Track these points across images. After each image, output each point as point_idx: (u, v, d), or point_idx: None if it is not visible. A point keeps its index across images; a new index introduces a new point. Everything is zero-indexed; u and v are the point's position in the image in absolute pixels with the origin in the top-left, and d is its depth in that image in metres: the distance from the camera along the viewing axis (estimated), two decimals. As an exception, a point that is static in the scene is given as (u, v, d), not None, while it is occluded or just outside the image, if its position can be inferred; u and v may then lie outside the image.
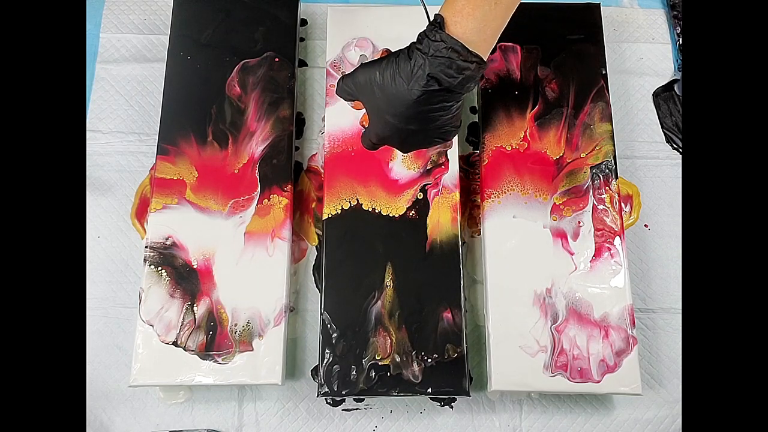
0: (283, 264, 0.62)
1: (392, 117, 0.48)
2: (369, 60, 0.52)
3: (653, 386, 0.64)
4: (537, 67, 0.69)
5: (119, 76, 0.74)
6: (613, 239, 0.63)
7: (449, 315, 0.60)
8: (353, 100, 0.53)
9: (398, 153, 0.65)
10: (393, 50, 0.50)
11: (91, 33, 0.75)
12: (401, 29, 0.70)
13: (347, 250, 0.62)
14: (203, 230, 0.63)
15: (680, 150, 0.73)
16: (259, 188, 0.64)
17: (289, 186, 0.65)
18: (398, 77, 0.46)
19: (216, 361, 0.58)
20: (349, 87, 0.51)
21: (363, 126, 0.54)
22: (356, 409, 0.62)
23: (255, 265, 0.62)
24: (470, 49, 0.45)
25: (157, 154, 0.65)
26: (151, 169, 0.69)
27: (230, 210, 0.63)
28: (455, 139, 0.66)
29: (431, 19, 0.47)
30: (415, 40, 0.47)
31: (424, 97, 0.46)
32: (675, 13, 0.78)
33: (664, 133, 0.74)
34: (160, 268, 0.61)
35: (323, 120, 0.69)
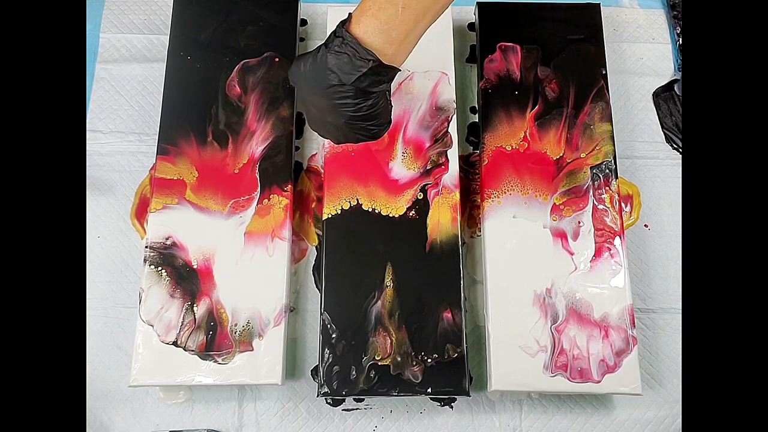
0: (283, 264, 0.62)
1: (312, 107, 0.51)
2: None
3: (653, 386, 0.64)
4: (537, 67, 0.69)
5: (119, 76, 0.74)
6: (613, 239, 0.63)
7: (449, 315, 0.60)
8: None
9: (398, 153, 0.65)
10: None
11: (91, 33, 0.75)
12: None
13: (347, 250, 0.62)
14: (203, 230, 0.63)
15: (680, 150, 0.73)
16: (259, 188, 0.64)
17: (289, 186, 0.65)
18: (311, 69, 0.48)
19: (216, 361, 0.58)
20: (291, 74, 0.52)
21: None
22: (356, 409, 0.62)
23: (255, 265, 0.62)
24: (365, 48, 0.46)
25: (157, 154, 0.65)
26: (151, 169, 0.69)
27: (230, 210, 0.63)
28: (455, 139, 0.66)
29: None
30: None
31: (329, 91, 0.48)
32: (675, 13, 0.78)
33: (664, 133, 0.74)
34: (160, 268, 0.61)
35: (323, 120, 0.69)
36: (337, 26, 0.48)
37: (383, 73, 0.47)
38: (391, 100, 0.53)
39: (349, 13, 0.48)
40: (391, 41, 0.47)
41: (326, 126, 0.53)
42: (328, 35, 0.49)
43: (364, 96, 0.48)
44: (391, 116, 0.54)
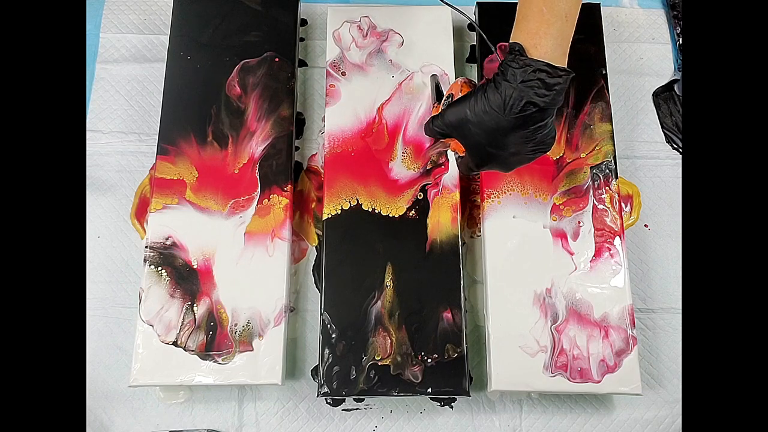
0: (283, 264, 0.62)
1: (492, 148, 0.50)
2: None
3: (653, 386, 0.64)
4: (537, 67, 0.69)
5: (119, 76, 0.74)
6: (613, 239, 0.63)
7: (449, 315, 0.60)
8: (445, 138, 0.54)
9: (398, 153, 0.65)
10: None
11: (91, 33, 0.75)
12: (401, 29, 0.71)
13: (347, 250, 0.62)
14: (203, 230, 0.63)
15: (680, 150, 0.73)
16: (259, 188, 0.64)
17: (289, 186, 0.65)
18: (491, 110, 0.47)
19: (216, 361, 0.58)
20: (440, 128, 0.52)
21: (456, 152, 0.55)
22: (356, 409, 0.62)
23: (255, 265, 0.62)
24: (556, 65, 0.46)
25: (157, 154, 0.65)
26: (151, 169, 0.69)
27: (230, 210, 0.63)
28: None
29: (489, 43, 0.52)
30: (496, 73, 0.48)
31: (521, 122, 0.47)
32: (675, 13, 0.78)
33: (664, 133, 0.74)
34: (160, 268, 0.61)
35: (323, 120, 0.69)
36: (511, 58, 0.47)
37: (568, 81, 0.47)
38: None
39: (514, 43, 0.47)
40: (565, 52, 0.48)
41: (508, 161, 0.51)
42: (498, 69, 0.47)
43: (551, 113, 0.48)
44: None
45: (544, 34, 0.47)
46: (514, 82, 0.46)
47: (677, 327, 0.66)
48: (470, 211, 0.69)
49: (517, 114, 0.46)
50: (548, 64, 0.46)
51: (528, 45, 0.47)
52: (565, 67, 0.47)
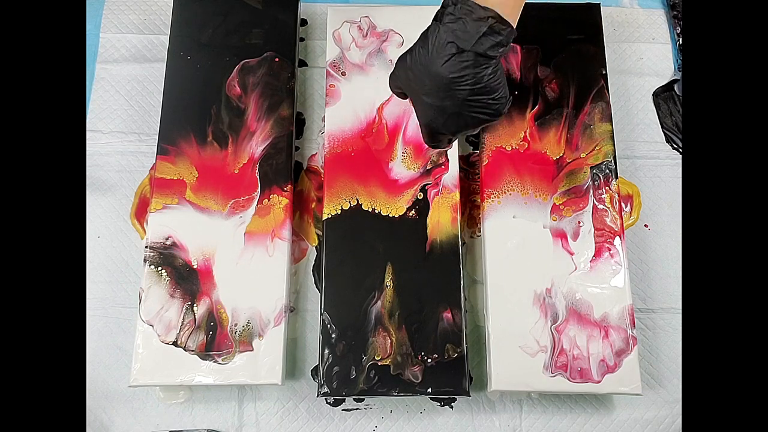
0: (283, 264, 0.62)
1: (427, 96, 0.48)
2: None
3: (653, 386, 0.64)
4: (537, 67, 0.69)
5: (119, 76, 0.74)
6: (613, 239, 0.63)
7: (449, 315, 0.60)
8: (405, 97, 0.53)
9: (398, 153, 0.65)
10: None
11: (91, 33, 0.75)
12: (400, 29, 0.71)
13: (347, 250, 0.62)
14: (203, 230, 0.63)
15: (680, 150, 0.73)
16: (259, 188, 0.64)
17: (289, 186, 0.65)
18: (422, 53, 0.47)
19: (216, 361, 0.58)
20: (394, 81, 0.52)
21: None
22: (356, 409, 0.62)
23: (255, 265, 0.62)
24: (482, 5, 0.44)
25: (157, 154, 0.65)
26: (151, 169, 0.69)
27: (230, 210, 0.63)
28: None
29: None
30: None
31: (447, 65, 0.45)
32: (675, 13, 0.78)
33: (664, 133, 0.74)
34: (160, 268, 0.61)
35: (323, 120, 0.69)
36: (444, 1, 0.46)
37: (502, 32, 0.45)
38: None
39: None
40: (504, 2, 0.45)
41: (444, 114, 0.48)
42: (436, 13, 0.46)
43: (485, 62, 0.45)
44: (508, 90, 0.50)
45: None
46: (441, 21, 0.45)
47: (677, 327, 0.66)
48: (470, 211, 0.69)
49: (442, 54, 0.45)
50: (476, 4, 0.44)
51: None
52: (498, 12, 0.44)
